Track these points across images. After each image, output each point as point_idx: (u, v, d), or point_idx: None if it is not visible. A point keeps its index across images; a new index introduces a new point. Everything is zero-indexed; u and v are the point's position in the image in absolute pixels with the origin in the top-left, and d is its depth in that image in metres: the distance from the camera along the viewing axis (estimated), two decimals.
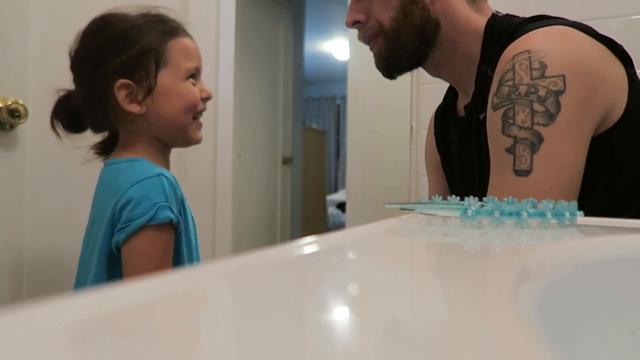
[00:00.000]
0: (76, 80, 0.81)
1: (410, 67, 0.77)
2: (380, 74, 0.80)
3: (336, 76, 6.13)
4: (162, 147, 0.83)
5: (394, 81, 0.82)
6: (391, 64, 0.76)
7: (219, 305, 0.18)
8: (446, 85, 0.86)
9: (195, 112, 0.82)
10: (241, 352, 0.12)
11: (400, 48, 0.74)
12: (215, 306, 0.17)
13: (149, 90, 0.77)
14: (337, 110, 7.24)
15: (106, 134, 0.86)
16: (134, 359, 0.11)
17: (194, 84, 0.82)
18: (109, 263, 0.73)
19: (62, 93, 0.84)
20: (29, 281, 1.09)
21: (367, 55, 0.80)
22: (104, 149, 0.86)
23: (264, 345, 0.12)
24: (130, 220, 0.70)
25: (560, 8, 1.22)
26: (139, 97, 0.77)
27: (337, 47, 5.33)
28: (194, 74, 0.82)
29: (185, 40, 0.82)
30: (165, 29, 0.80)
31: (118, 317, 0.14)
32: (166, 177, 0.73)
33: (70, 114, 0.83)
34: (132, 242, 0.70)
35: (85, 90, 0.79)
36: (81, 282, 0.78)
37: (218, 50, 1.57)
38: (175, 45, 0.79)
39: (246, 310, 0.16)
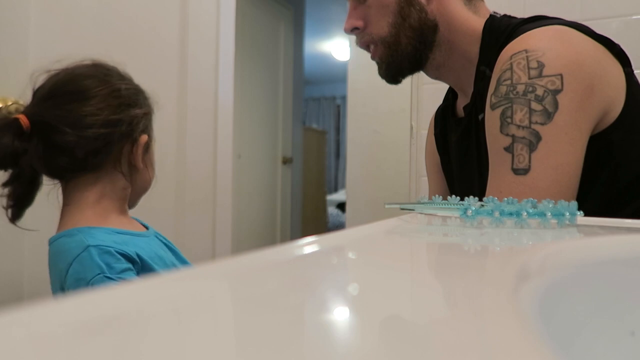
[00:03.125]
0: (94, 111, 0.71)
1: (412, 70, 0.78)
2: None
3: (336, 76, 6.13)
4: (119, 206, 0.78)
5: None
6: (394, 69, 0.77)
7: (219, 305, 0.18)
8: (446, 85, 0.87)
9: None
10: (241, 352, 0.12)
11: (400, 52, 0.74)
12: (216, 306, 0.17)
13: (147, 150, 0.78)
14: (337, 110, 7.24)
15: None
16: (133, 359, 0.11)
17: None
18: None
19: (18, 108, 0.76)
20: (29, 282, 1.09)
21: (367, 55, 0.80)
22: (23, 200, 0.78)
23: (264, 344, 0.12)
24: None
25: (560, 8, 1.21)
26: (143, 157, 0.77)
27: (337, 47, 5.33)
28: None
29: None
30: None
31: (118, 317, 0.14)
32: (94, 246, 0.67)
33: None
34: None
35: (104, 127, 0.71)
36: None
37: (218, 50, 1.57)
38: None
39: (246, 310, 0.16)
